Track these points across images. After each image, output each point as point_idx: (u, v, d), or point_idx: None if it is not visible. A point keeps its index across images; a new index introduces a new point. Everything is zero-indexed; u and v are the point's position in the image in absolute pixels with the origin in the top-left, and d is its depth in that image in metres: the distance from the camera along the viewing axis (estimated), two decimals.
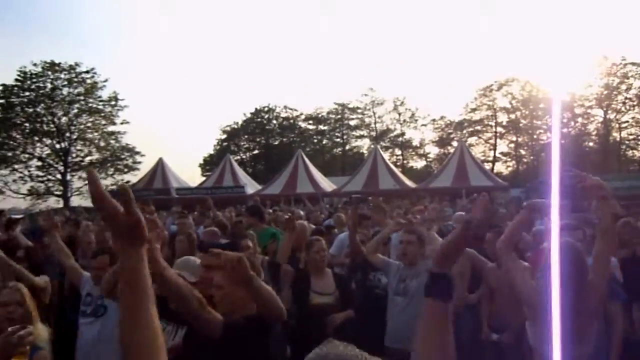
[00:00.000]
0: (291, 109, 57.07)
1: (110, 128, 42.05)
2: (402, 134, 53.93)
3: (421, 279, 4.23)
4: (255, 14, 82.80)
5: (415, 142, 54.92)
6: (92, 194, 1.14)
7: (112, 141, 42.39)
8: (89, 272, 4.33)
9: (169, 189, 29.16)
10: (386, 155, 39.16)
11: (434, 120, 52.97)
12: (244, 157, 56.97)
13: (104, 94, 41.01)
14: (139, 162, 43.07)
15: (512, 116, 49.78)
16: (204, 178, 39.11)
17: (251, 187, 30.58)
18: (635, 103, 44.43)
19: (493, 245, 4.84)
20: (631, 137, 46.24)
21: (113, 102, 41.14)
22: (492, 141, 50.73)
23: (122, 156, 42.94)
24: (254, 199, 13.84)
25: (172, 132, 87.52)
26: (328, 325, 4.18)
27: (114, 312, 4.07)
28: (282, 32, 79.99)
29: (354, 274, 5.78)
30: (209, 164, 54.27)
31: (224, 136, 57.46)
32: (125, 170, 42.91)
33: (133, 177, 40.84)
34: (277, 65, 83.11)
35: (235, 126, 57.16)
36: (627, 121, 45.56)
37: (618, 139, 46.11)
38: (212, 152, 57.01)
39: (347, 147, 57.06)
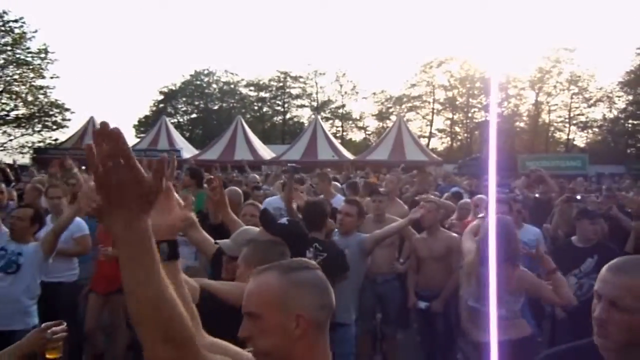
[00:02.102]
0: (232, 74, 55.87)
1: (39, 82, 39.50)
2: (343, 105, 54.18)
3: (351, 250, 4.22)
4: None
5: (355, 115, 55.35)
6: (118, 151, 1.04)
7: (41, 96, 39.91)
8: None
9: None
10: (326, 126, 39.22)
11: (374, 93, 53.52)
12: (181, 120, 55.40)
13: (33, 45, 38.40)
14: (69, 120, 40.95)
15: (450, 94, 50.94)
16: (137, 140, 37.84)
17: (187, 151, 29.87)
18: (565, 87, 46.60)
19: (425, 217, 4.98)
20: (559, 119, 48.60)
21: (43, 55, 38.59)
22: (429, 117, 51.80)
23: (51, 112, 40.64)
24: (190, 164, 13.48)
25: (105, 90, 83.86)
26: None
27: (27, 273, 3.95)
28: None
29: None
30: (143, 125, 52.37)
31: (161, 97, 55.50)
32: (54, 127, 40.69)
33: (62, 135, 38.89)
34: (219, 28, 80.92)
35: (173, 87, 55.32)
36: (557, 104, 47.81)
37: (547, 121, 48.33)
38: (147, 114, 55.05)
39: (288, 116, 56.62)
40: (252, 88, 55.82)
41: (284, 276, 1.41)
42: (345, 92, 53.62)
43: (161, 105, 54.73)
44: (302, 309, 1.37)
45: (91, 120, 31.11)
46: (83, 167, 7.57)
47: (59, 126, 40.92)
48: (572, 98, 46.73)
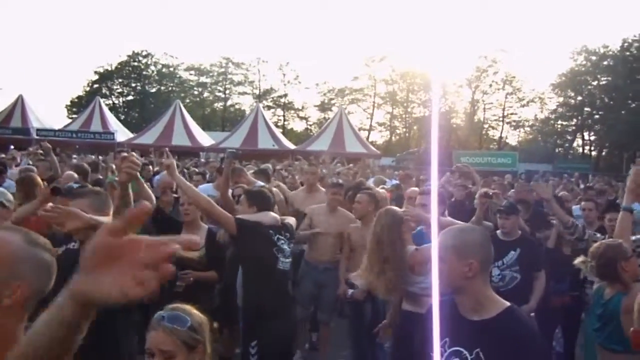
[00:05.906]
0: (172, 56, 54.47)
1: None
2: (285, 95, 53.99)
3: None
4: None
5: (297, 105, 55.36)
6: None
7: None
8: None
9: (29, 128, 26.64)
10: (268, 115, 38.96)
11: (317, 84, 53.74)
12: (116, 102, 53.52)
13: None
14: None
15: (390, 88, 51.84)
16: (69, 121, 36.23)
17: (122, 134, 28.93)
18: (500, 87, 48.46)
19: (357, 208, 5.02)
20: (493, 117, 50.59)
21: None
22: (369, 110, 52.60)
23: None
24: (123, 148, 13.11)
25: (36, 67, 79.72)
26: (180, 279, 3.93)
27: None
28: None
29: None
30: (76, 106, 50.21)
31: (96, 77, 53.34)
32: None
33: None
34: (159, 8, 78.33)
35: (109, 68, 53.22)
36: (492, 103, 49.74)
37: (482, 119, 50.10)
38: (81, 94, 52.75)
39: (229, 103, 55.88)
40: (192, 72, 54.71)
41: (26, 245, 1.41)
42: (288, 82, 53.56)
43: (96, 85, 52.70)
44: (23, 281, 1.36)
45: (20, 99, 29.55)
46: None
47: None
48: (506, 97, 48.70)
